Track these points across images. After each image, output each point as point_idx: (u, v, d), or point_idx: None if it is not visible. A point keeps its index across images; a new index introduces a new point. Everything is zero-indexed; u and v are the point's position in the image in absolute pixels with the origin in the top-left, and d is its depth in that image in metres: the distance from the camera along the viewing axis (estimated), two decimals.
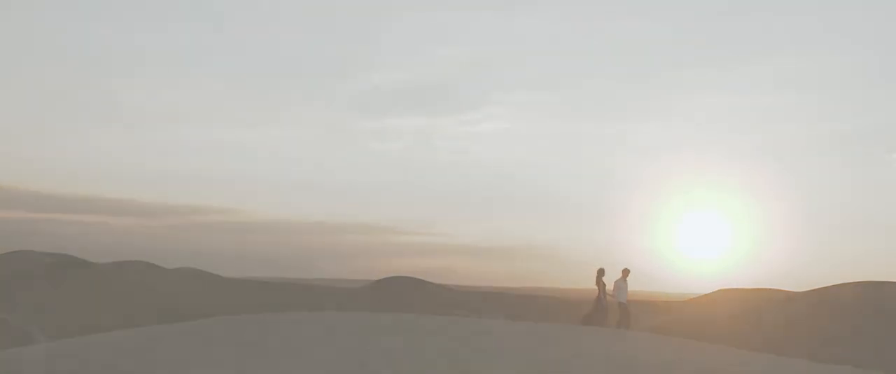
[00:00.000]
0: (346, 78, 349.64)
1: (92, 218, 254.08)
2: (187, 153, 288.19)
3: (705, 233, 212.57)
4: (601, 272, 23.84)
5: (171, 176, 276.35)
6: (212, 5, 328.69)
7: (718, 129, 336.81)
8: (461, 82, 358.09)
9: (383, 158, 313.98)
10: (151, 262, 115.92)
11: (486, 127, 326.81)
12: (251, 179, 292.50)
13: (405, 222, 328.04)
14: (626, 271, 24.23)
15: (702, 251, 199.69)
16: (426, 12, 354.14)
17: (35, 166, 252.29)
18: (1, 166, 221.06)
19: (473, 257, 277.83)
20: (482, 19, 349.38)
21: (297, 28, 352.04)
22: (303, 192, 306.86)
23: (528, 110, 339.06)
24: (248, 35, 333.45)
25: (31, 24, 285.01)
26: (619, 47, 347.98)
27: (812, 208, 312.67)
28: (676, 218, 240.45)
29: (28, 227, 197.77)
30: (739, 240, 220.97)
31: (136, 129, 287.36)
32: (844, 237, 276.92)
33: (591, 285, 24.14)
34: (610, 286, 24.02)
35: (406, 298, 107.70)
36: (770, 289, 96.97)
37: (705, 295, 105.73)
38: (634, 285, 24.32)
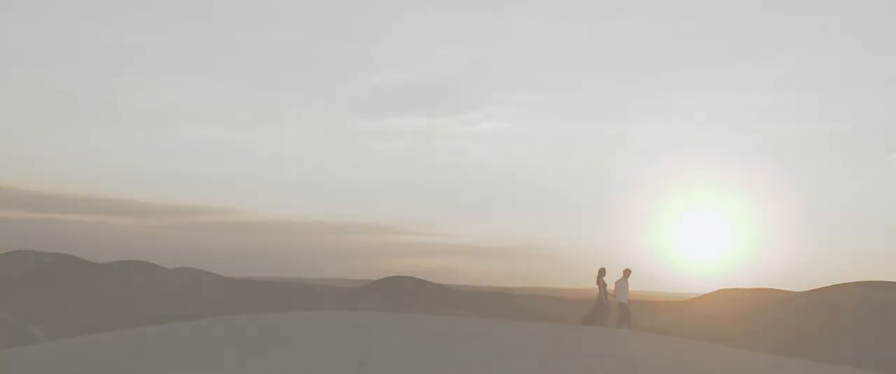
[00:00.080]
0: (346, 78, 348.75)
1: (92, 218, 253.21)
2: (187, 153, 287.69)
3: (705, 233, 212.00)
4: (602, 272, 23.86)
5: (170, 176, 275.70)
6: (212, 5, 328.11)
7: (718, 129, 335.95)
8: (461, 82, 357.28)
9: (383, 158, 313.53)
10: (151, 262, 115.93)
11: (486, 127, 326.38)
12: (251, 179, 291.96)
13: (405, 222, 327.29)
14: (627, 272, 24.25)
15: (702, 251, 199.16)
16: (426, 12, 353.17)
17: (35, 166, 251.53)
18: (1, 166, 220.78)
19: (473, 257, 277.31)
20: (482, 19, 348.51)
21: (297, 28, 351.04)
22: (303, 192, 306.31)
23: (528, 110, 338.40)
24: (248, 35, 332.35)
25: (31, 24, 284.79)
26: (619, 47, 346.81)
27: (812, 208, 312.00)
28: (676, 218, 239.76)
29: (28, 227, 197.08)
30: (739, 240, 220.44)
31: (136, 129, 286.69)
32: (844, 237, 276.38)
33: (592, 285, 24.18)
34: (611, 286, 24.04)
35: (406, 298, 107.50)
36: (770, 289, 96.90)
37: (705, 295, 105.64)
38: (635, 286, 24.36)
